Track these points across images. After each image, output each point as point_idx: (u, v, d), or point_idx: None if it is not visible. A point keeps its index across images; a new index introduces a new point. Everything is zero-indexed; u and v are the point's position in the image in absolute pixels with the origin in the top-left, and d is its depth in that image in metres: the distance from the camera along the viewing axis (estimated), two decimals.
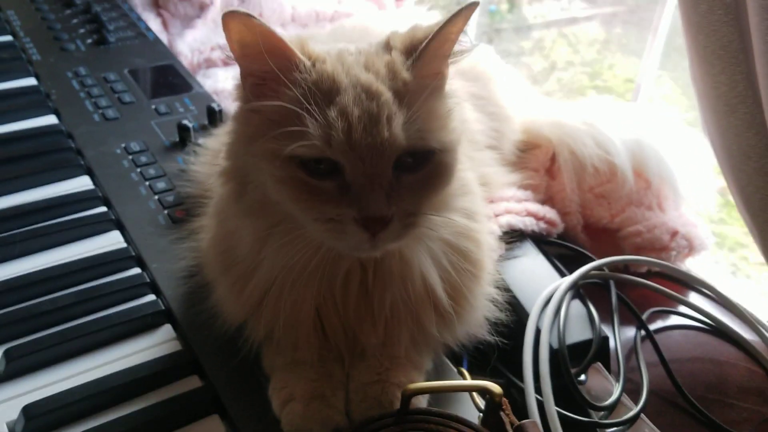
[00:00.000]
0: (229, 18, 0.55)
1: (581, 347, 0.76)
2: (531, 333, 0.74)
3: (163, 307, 0.77)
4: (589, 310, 0.80)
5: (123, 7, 1.44)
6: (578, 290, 0.82)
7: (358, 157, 0.55)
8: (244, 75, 0.60)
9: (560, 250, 0.95)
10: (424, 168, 0.59)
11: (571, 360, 0.73)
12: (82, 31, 1.33)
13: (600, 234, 1.00)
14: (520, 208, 0.90)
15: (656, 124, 1.01)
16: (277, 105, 0.56)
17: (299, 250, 0.60)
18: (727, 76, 0.85)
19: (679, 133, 1.02)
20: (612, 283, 0.88)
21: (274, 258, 0.63)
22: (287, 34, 0.58)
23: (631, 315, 0.88)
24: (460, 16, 0.57)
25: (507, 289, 0.76)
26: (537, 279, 0.82)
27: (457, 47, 0.61)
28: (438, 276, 0.65)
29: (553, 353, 0.73)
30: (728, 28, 0.84)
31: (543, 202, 0.98)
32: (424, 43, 0.58)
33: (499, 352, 0.73)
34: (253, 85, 0.59)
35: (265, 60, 0.56)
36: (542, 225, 0.92)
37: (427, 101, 0.58)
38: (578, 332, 0.77)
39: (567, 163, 0.99)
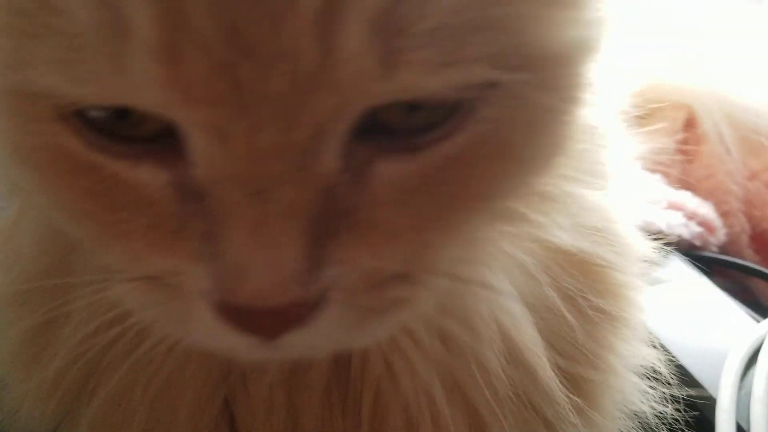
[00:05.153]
0: None
1: None
2: None
3: None
4: None
5: None
6: None
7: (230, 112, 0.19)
8: None
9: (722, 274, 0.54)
10: (458, 132, 0.21)
11: None
12: None
13: None
14: (657, 194, 0.50)
15: None
16: None
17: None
18: None
19: None
20: None
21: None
22: None
23: None
24: None
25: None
26: (711, 326, 0.42)
27: None
28: (538, 336, 0.28)
29: None
30: None
31: None
32: None
33: None
34: None
35: None
36: (694, 228, 0.51)
37: None
38: None
39: (718, 129, 0.59)
